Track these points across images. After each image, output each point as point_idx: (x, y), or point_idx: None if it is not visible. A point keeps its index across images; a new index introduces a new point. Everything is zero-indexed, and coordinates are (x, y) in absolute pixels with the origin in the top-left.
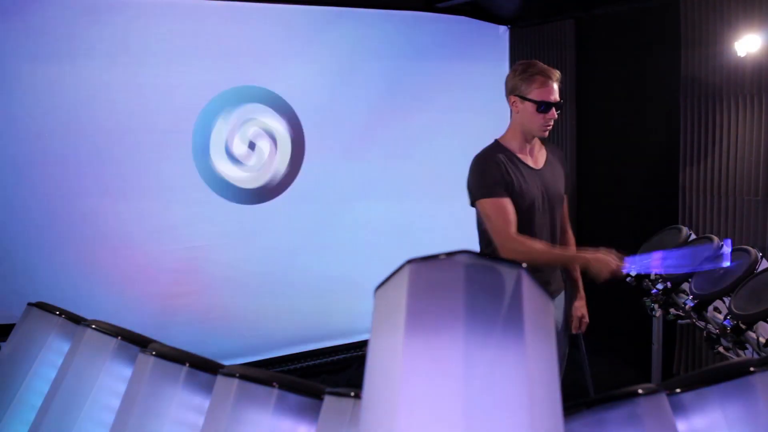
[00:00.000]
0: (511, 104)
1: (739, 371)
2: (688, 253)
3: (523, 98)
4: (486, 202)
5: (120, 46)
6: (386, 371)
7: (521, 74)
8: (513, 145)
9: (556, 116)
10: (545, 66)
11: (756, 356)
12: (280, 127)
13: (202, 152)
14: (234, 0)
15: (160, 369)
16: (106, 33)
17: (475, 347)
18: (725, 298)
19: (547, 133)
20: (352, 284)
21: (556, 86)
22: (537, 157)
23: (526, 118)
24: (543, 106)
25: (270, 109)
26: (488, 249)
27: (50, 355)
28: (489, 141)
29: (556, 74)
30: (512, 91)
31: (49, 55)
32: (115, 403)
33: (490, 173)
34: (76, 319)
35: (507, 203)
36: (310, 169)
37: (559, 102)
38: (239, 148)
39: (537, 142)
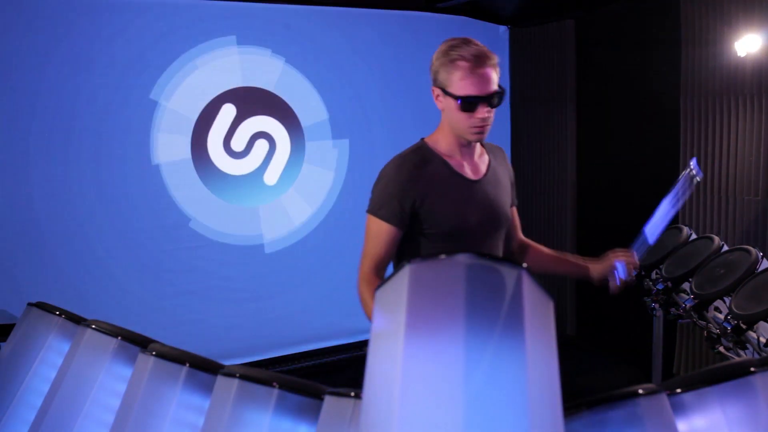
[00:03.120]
0: (435, 98)
1: (739, 371)
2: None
3: (444, 91)
4: (370, 220)
5: (121, 47)
6: (386, 371)
7: (442, 57)
8: (442, 147)
9: (488, 114)
10: (476, 47)
11: (756, 356)
12: (279, 127)
13: (202, 153)
14: (235, 0)
15: (160, 369)
16: (105, 33)
17: (475, 347)
18: (725, 298)
19: (481, 137)
20: (352, 284)
21: (489, 73)
22: (477, 164)
23: (451, 117)
24: (466, 103)
25: (270, 110)
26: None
27: (50, 355)
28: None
29: (486, 57)
30: (434, 80)
31: (50, 56)
32: (115, 403)
33: (389, 186)
34: (76, 319)
35: (386, 232)
36: (310, 170)
37: (490, 94)
38: (239, 149)
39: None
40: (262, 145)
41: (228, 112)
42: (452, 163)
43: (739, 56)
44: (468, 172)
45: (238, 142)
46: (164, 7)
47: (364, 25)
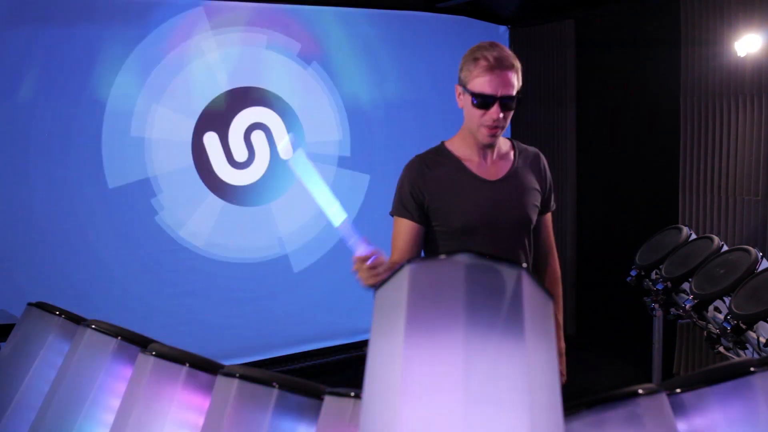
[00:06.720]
0: (457, 96)
1: (739, 371)
2: None
3: (464, 88)
4: (394, 220)
5: (122, 48)
6: (386, 371)
7: (467, 56)
8: (460, 149)
9: (500, 116)
10: (500, 50)
11: (756, 356)
12: (279, 127)
13: (202, 153)
14: (236, 0)
15: (160, 369)
16: (107, 34)
17: (475, 347)
18: (725, 298)
19: (492, 139)
20: (352, 284)
21: (509, 76)
22: (498, 165)
23: (466, 115)
24: (480, 100)
25: (269, 110)
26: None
27: (50, 355)
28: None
29: (508, 61)
30: (458, 78)
31: (52, 56)
32: (115, 403)
33: (403, 186)
34: (76, 319)
35: (405, 228)
36: None
37: (507, 96)
38: (238, 150)
39: (504, 147)
40: (261, 146)
41: (228, 113)
42: (467, 163)
43: (739, 56)
44: (484, 173)
45: (239, 143)
46: (165, 8)
47: (364, 25)
